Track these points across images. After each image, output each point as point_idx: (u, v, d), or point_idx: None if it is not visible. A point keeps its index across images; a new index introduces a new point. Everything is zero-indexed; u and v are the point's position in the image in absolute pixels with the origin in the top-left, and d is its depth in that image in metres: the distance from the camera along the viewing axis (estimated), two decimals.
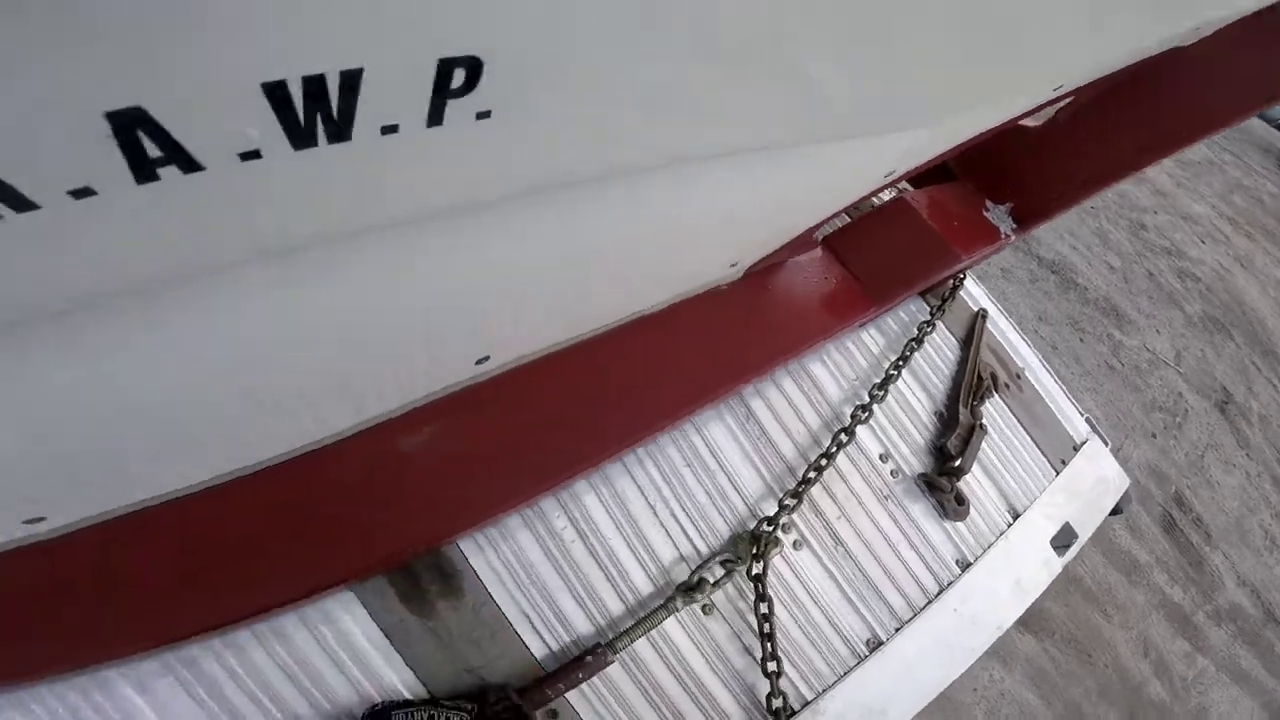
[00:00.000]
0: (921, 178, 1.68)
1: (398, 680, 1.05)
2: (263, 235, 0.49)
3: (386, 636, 1.04)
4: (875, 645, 1.42)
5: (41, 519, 0.75)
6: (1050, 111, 1.57)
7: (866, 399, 1.51)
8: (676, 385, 1.22)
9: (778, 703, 1.25)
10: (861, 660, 1.40)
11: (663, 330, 1.22)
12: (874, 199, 1.70)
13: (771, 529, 1.32)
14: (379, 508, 0.97)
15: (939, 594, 1.51)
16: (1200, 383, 4.74)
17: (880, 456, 1.52)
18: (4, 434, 0.59)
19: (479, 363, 1.02)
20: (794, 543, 1.37)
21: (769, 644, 1.26)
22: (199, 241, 0.46)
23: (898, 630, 1.44)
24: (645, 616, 1.19)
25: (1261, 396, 4.90)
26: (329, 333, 0.70)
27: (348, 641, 1.01)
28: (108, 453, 0.70)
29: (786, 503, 1.35)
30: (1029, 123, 1.59)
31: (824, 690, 1.36)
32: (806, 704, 1.33)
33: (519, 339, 1.06)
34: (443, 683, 1.07)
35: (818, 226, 1.37)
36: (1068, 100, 1.51)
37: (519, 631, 1.14)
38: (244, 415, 0.76)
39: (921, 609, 1.48)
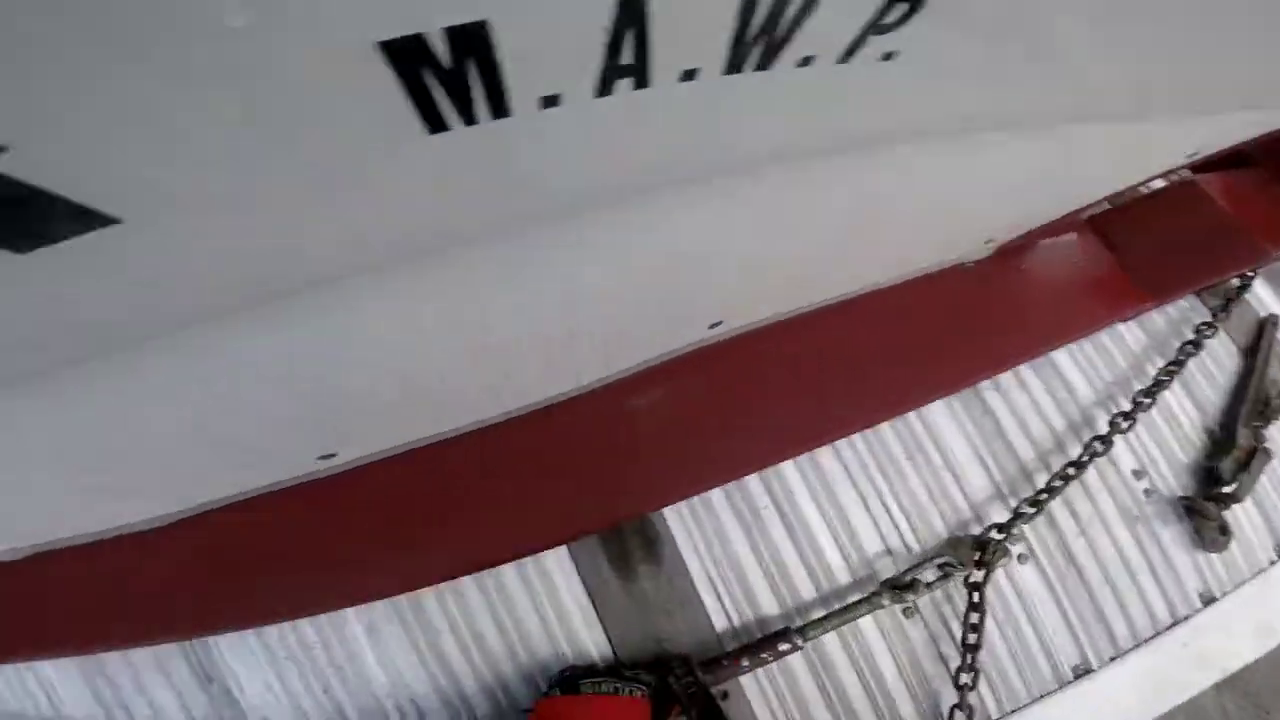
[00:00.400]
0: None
1: (590, 640, 1.07)
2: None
3: (590, 596, 1.04)
4: (1083, 672, 1.28)
5: (333, 455, 0.78)
6: None
7: (1128, 406, 1.28)
8: (911, 370, 1.08)
9: (962, 716, 1.15)
10: (1062, 686, 1.26)
11: (900, 306, 1.08)
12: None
13: (1002, 537, 1.18)
14: (603, 470, 0.94)
15: (1170, 627, 1.32)
16: None
17: (1134, 472, 1.30)
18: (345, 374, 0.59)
19: (712, 326, 0.93)
20: (1019, 555, 1.23)
21: (970, 655, 1.16)
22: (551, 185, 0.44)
23: (1112, 659, 1.28)
24: (844, 608, 1.12)
25: None
26: (604, 282, 0.64)
27: (555, 598, 1.01)
28: (406, 395, 0.70)
29: (1024, 511, 1.20)
30: None
31: (1013, 710, 1.25)
32: None
33: (754, 304, 0.96)
34: (630, 649, 1.08)
35: (1090, 206, 1.14)
36: None
37: (707, 606, 1.12)
38: (519, 365, 0.73)
39: (1146, 640, 1.30)
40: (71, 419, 0.54)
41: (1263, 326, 1.45)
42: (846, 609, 1.12)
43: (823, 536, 1.16)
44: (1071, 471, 1.18)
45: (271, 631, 0.98)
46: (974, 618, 1.15)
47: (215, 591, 0.97)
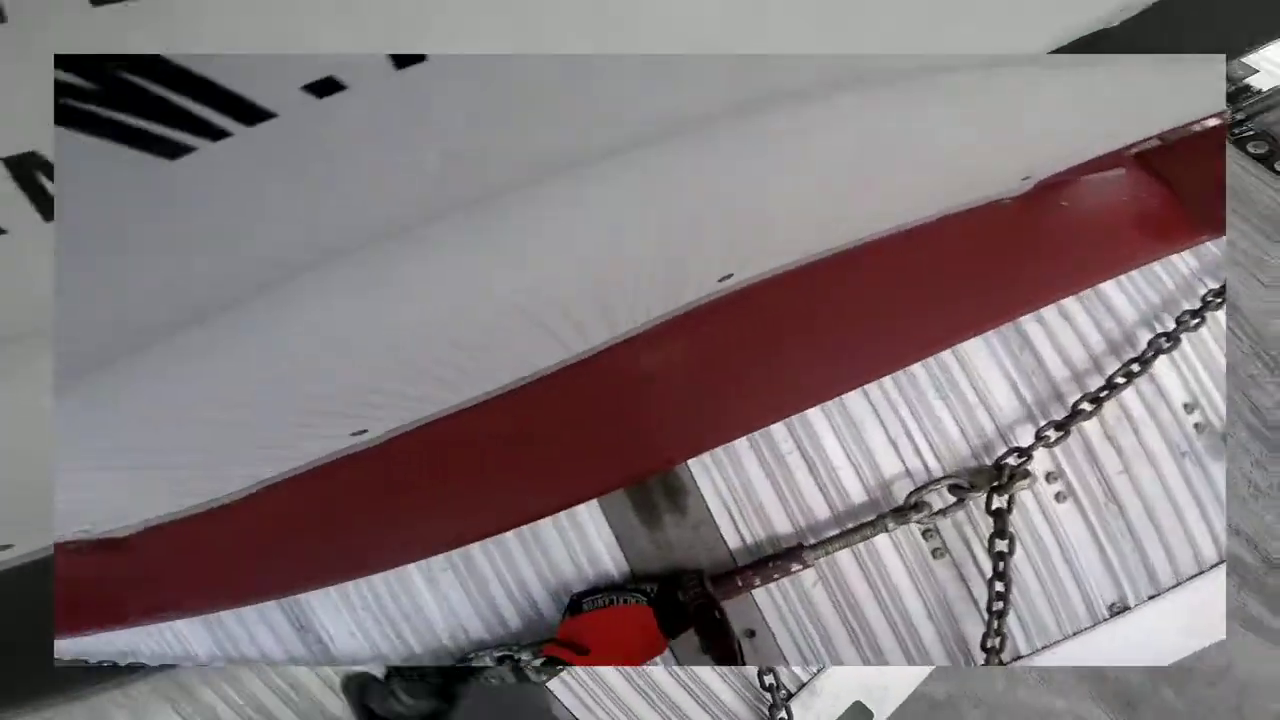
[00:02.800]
0: None
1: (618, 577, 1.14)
2: None
3: (620, 545, 1.08)
4: (1119, 610, 1.26)
5: (364, 431, 0.83)
6: None
7: (1172, 325, 1.21)
8: (940, 308, 1.04)
9: (994, 642, 1.17)
10: (1096, 624, 1.25)
11: (934, 246, 1.03)
12: None
13: (1021, 460, 1.16)
14: (620, 427, 0.97)
15: (1214, 565, 1.28)
16: None
17: (1185, 406, 1.24)
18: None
19: (722, 280, 0.91)
20: (1057, 494, 1.22)
21: (999, 583, 1.16)
22: None
23: (1151, 598, 1.26)
24: (852, 529, 1.14)
25: None
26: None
27: (589, 546, 1.10)
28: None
29: (1046, 434, 1.17)
30: None
31: (1044, 646, 1.25)
32: (1019, 657, 1.24)
33: (767, 249, 0.93)
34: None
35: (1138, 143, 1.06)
36: None
37: (733, 551, 1.16)
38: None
39: (1188, 579, 1.27)
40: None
41: None
42: (853, 530, 1.14)
43: (850, 481, 1.17)
44: (1104, 394, 1.13)
45: (349, 587, 1.12)
46: (1000, 544, 1.14)
47: (290, 555, 1.07)
